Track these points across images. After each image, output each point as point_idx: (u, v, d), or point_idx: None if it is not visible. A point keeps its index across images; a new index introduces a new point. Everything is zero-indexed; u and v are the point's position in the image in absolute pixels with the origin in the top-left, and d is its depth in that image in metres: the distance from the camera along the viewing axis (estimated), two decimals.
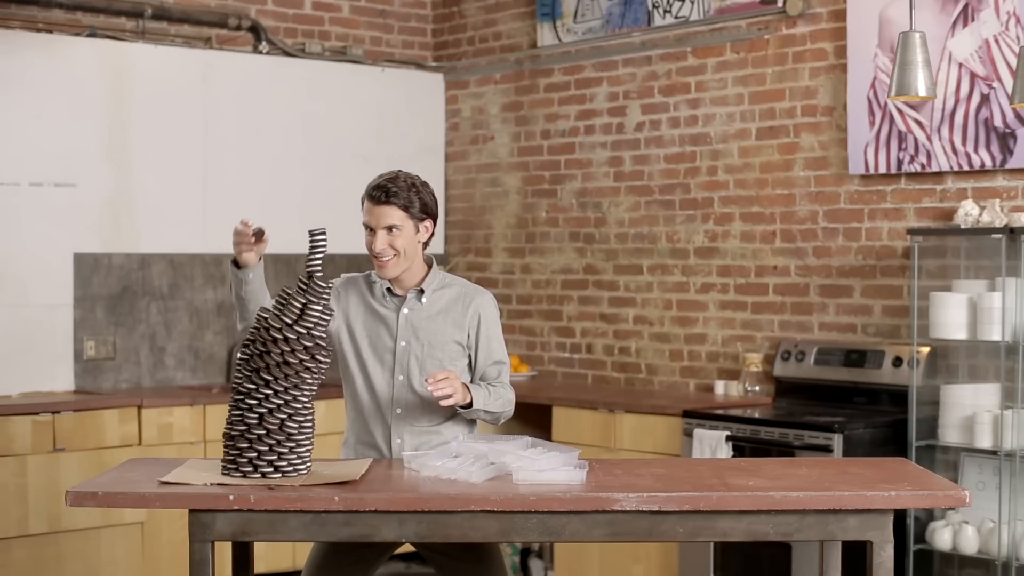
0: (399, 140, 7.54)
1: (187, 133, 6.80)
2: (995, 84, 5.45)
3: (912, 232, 5.51)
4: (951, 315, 5.32)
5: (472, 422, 4.05)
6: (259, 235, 3.79)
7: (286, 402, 3.53)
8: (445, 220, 7.78)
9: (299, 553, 6.18)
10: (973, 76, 5.52)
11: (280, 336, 3.52)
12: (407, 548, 4.06)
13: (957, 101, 5.56)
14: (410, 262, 3.94)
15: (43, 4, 6.47)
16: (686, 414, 5.87)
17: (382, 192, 3.88)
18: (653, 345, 6.80)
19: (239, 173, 6.94)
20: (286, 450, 3.53)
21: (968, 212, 5.42)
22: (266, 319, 3.55)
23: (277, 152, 7.09)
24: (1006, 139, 5.43)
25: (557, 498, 3.40)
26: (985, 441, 5.23)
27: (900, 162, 5.75)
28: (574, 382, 7.16)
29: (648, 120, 6.79)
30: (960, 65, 5.55)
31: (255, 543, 3.87)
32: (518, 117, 7.43)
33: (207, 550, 3.42)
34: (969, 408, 5.32)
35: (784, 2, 6.17)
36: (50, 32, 6.54)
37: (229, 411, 3.57)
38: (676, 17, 6.61)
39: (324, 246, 3.59)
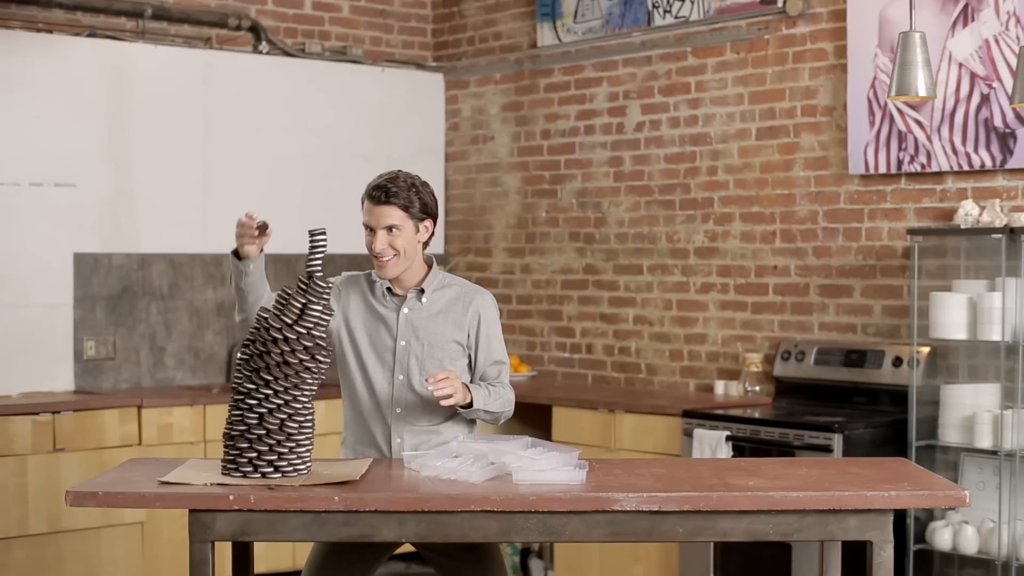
0: (399, 140, 7.54)
1: (187, 133, 6.80)
2: (995, 84, 5.45)
3: (912, 232, 5.51)
4: (951, 315, 5.32)
5: (472, 422, 4.05)
6: (263, 229, 3.80)
7: (286, 402, 3.53)
8: (445, 220, 7.78)
9: (299, 553, 6.18)
10: (973, 76, 5.52)
11: (280, 336, 3.52)
12: (407, 548, 4.06)
13: (957, 101, 5.56)
14: (410, 262, 3.94)
15: (43, 4, 6.47)
16: (686, 414, 5.87)
17: (382, 192, 3.88)
18: (653, 345, 6.80)
19: (239, 173, 6.94)
20: (286, 450, 3.53)
21: (968, 212, 5.42)
22: (266, 319, 3.55)
23: (277, 152, 7.09)
24: (1006, 139, 5.43)
25: (557, 498, 3.40)
26: (985, 441, 5.23)
27: (900, 162, 5.75)
28: (574, 382, 7.16)
29: (648, 120, 6.79)
30: (960, 65, 5.55)
31: (255, 543, 3.87)
32: (518, 117, 7.43)
33: (207, 550, 3.42)
34: (969, 408, 5.32)
35: (784, 2, 6.17)
36: (50, 32, 6.54)
37: (229, 411, 3.57)
38: (676, 17, 6.62)
39: (324, 246, 3.59)
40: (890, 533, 3.46)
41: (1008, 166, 5.44)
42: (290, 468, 3.54)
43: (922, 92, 3.98)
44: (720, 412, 5.82)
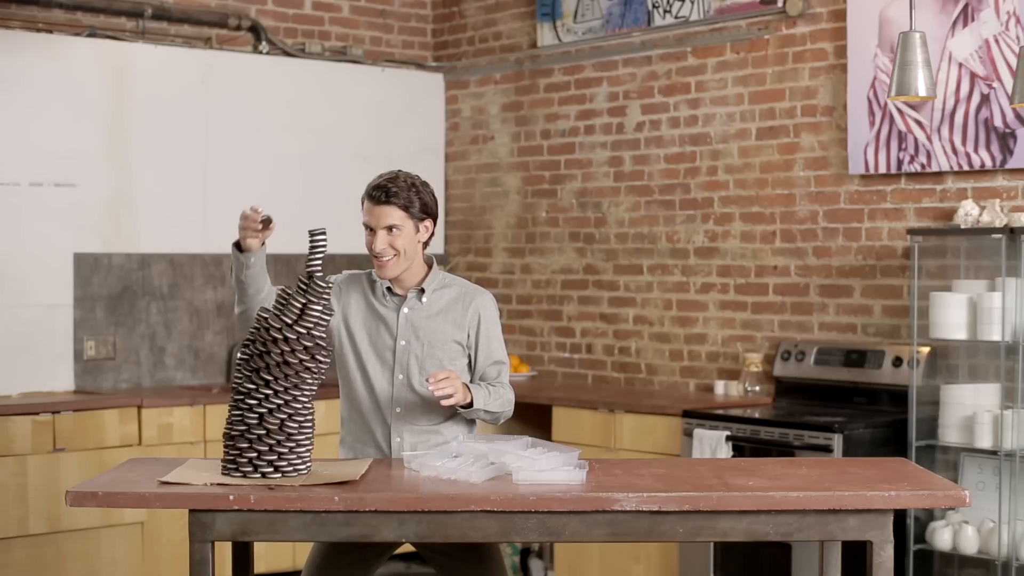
0: (399, 140, 7.54)
1: (187, 133, 6.80)
2: (995, 84, 5.45)
3: (912, 232, 5.51)
4: (951, 315, 5.32)
5: (471, 422, 4.05)
6: (266, 223, 3.80)
7: (286, 402, 3.53)
8: (445, 220, 7.78)
9: (299, 553, 6.18)
10: (973, 76, 5.52)
11: (280, 336, 3.52)
12: (407, 548, 4.06)
13: (957, 101, 5.56)
14: (410, 262, 3.95)
15: (43, 4, 6.47)
16: (686, 414, 5.87)
17: (382, 192, 3.88)
18: (653, 345, 6.80)
19: (239, 173, 6.94)
20: (286, 450, 3.53)
21: (968, 212, 5.42)
22: (266, 319, 3.55)
23: (277, 152, 7.09)
24: (1006, 139, 5.43)
25: (557, 498, 3.40)
26: (985, 441, 5.23)
27: (900, 162, 5.75)
28: (574, 382, 7.16)
29: (648, 120, 6.79)
30: (960, 65, 5.55)
31: (255, 543, 3.87)
32: (518, 117, 7.43)
33: (207, 550, 3.42)
34: (969, 408, 5.32)
35: (784, 2, 6.17)
36: (50, 32, 6.54)
37: (229, 411, 3.57)
38: (676, 17, 6.61)
39: (324, 246, 3.59)
40: (890, 533, 3.46)
41: (1008, 166, 5.44)
42: (290, 468, 3.54)
43: (922, 92, 3.97)
44: (720, 412, 5.82)
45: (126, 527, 5.99)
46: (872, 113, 5.82)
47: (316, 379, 3.58)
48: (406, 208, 3.88)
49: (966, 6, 5.51)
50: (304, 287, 3.56)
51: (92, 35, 6.59)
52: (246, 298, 3.86)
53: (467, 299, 4.01)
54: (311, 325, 3.54)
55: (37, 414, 5.83)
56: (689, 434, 5.79)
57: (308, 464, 3.60)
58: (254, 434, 3.52)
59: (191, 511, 3.41)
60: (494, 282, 7.49)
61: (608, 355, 7.00)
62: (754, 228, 6.36)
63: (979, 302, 5.25)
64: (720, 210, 6.50)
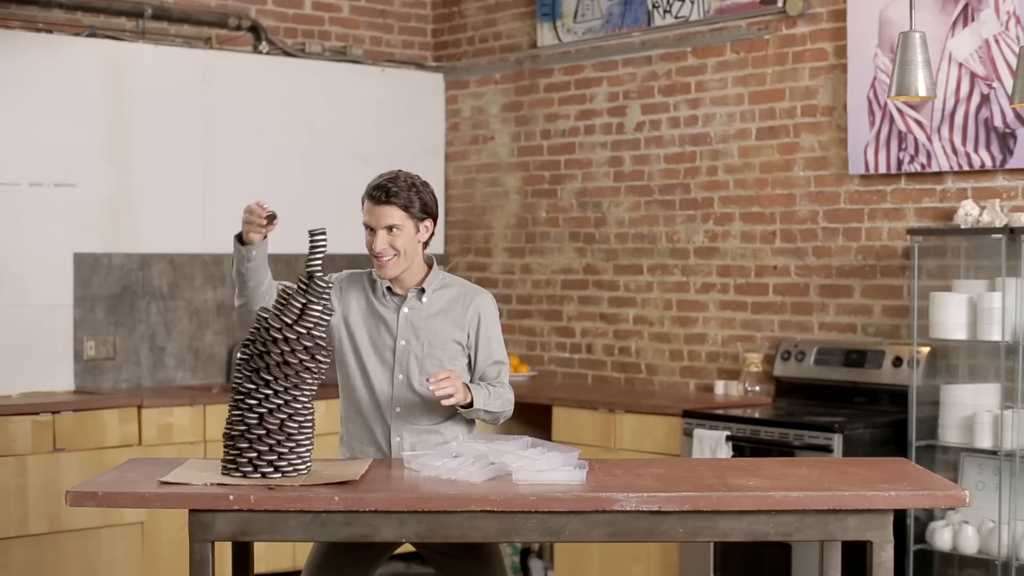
0: (399, 140, 7.54)
1: (187, 133, 6.80)
2: (995, 84, 5.45)
3: (912, 232, 5.51)
4: (951, 315, 5.32)
5: (471, 422, 4.05)
6: (270, 219, 3.79)
7: (286, 402, 3.53)
8: (445, 220, 7.78)
9: (299, 553, 6.18)
10: (973, 76, 5.52)
11: (280, 336, 3.52)
12: (407, 548, 4.06)
13: (957, 101, 5.56)
14: (410, 262, 3.95)
15: (43, 4, 6.47)
16: (686, 414, 5.87)
17: (382, 192, 3.89)
18: (653, 345, 6.80)
19: (239, 173, 6.94)
20: (286, 450, 3.53)
21: (968, 212, 5.42)
22: (266, 319, 3.55)
23: (277, 152, 7.09)
24: (1006, 139, 5.43)
25: (557, 498, 3.40)
26: (985, 441, 5.23)
27: (900, 162, 5.75)
28: (574, 382, 7.16)
29: (648, 120, 6.79)
30: (960, 65, 5.55)
31: (255, 543, 3.87)
32: (518, 117, 7.43)
33: (207, 550, 3.42)
34: (969, 408, 5.32)
35: (784, 2, 6.17)
36: (50, 32, 6.54)
37: (229, 411, 3.57)
38: (676, 17, 6.61)
39: (324, 246, 3.59)
40: (890, 533, 3.46)
41: (1008, 166, 5.44)
42: (290, 468, 3.54)
43: (922, 92, 3.97)
44: (720, 412, 5.82)
45: (126, 527, 5.99)
46: (872, 113, 5.82)
47: (316, 379, 3.58)
48: (406, 208, 3.89)
49: (966, 6, 5.51)
50: (304, 287, 3.57)
51: (92, 35, 6.59)
52: (246, 291, 3.86)
53: (467, 299, 4.01)
54: (311, 325, 3.54)
55: (37, 414, 5.83)
56: (689, 434, 5.79)
57: (308, 464, 3.60)
58: (254, 434, 3.52)
59: (191, 511, 3.41)
60: (494, 282, 7.49)
61: (608, 355, 7.00)
62: (754, 228, 6.36)
63: (979, 302, 5.25)
64: (720, 210, 6.49)
